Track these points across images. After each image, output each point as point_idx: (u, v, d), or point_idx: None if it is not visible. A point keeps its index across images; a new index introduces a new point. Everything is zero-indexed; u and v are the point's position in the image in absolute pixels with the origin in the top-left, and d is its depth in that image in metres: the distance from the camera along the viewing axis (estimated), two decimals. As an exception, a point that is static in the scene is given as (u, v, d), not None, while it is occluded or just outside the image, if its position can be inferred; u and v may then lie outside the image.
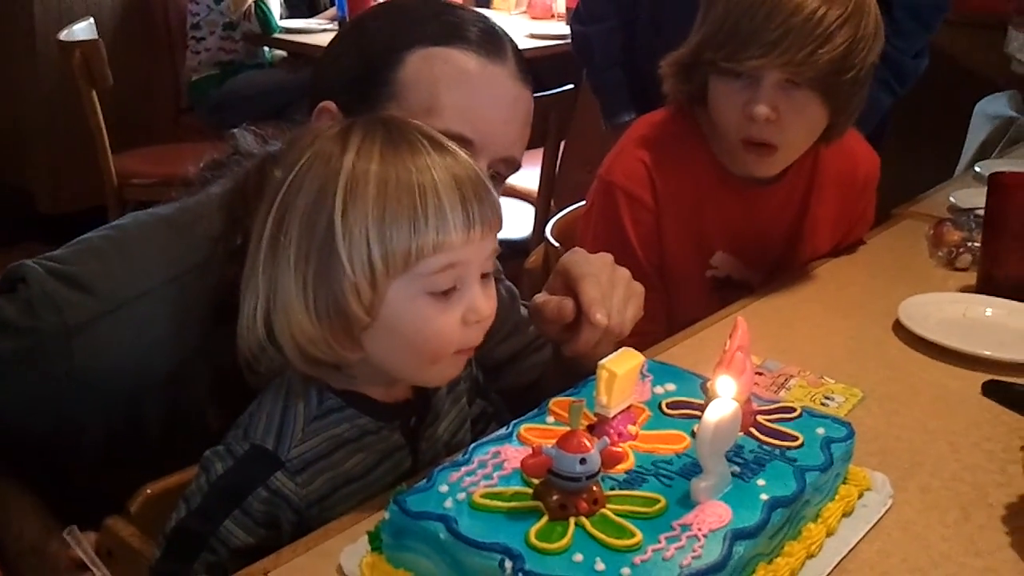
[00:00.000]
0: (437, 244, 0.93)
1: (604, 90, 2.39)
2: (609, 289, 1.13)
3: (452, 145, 0.99)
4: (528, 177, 3.03)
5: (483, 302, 0.98)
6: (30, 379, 1.08)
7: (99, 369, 1.08)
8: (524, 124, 1.20)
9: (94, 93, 3.20)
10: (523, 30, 4.06)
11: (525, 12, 4.56)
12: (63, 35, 3.24)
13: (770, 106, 1.43)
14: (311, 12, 4.37)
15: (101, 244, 1.15)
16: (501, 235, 1.01)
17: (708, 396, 0.93)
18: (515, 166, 1.21)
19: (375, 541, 0.88)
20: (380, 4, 1.25)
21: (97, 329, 1.08)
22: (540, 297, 1.17)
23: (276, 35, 3.96)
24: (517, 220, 2.95)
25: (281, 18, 4.05)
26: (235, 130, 1.19)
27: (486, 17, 1.21)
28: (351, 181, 0.93)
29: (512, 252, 1.30)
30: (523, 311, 1.44)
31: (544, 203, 2.88)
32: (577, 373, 1.10)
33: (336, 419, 1.00)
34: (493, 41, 1.16)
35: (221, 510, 0.96)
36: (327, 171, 0.94)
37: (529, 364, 1.40)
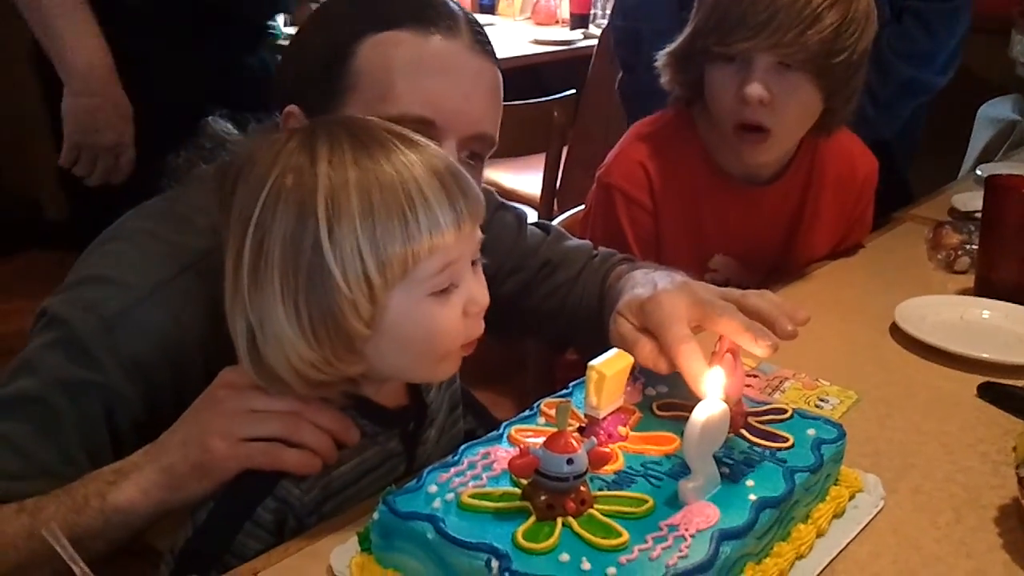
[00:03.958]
0: (432, 247, 0.91)
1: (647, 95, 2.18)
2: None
3: (421, 139, 0.96)
4: (531, 182, 3.04)
5: (480, 291, 0.97)
6: (86, 396, 1.03)
7: (144, 354, 1.04)
8: (489, 97, 1.14)
9: (99, 99, 3.19)
10: (527, 36, 4.08)
11: (529, 18, 4.58)
12: (68, 41, 3.24)
13: (763, 86, 1.45)
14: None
15: (105, 247, 1.12)
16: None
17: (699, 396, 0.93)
18: (490, 143, 1.16)
19: (364, 541, 0.89)
20: None
21: (136, 315, 1.04)
22: (629, 334, 1.12)
23: (279, 42, 3.95)
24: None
25: (285, 25, 4.06)
26: (208, 118, 1.16)
27: None
28: (331, 195, 0.89)
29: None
30: (533, 234, 1.41)
31: (547, 207, 2.88)
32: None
33: None
34: (444, 16, 1.12)
35: (230, 527, 0.95)
36: (302, 189, 0.89)
37: (545, 291, 1.38)
